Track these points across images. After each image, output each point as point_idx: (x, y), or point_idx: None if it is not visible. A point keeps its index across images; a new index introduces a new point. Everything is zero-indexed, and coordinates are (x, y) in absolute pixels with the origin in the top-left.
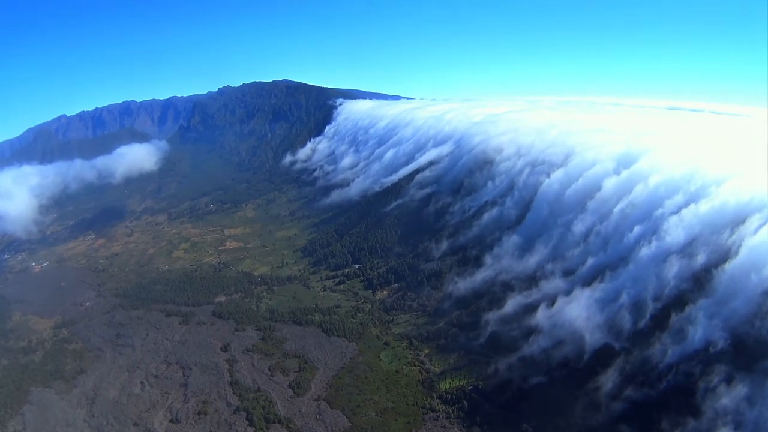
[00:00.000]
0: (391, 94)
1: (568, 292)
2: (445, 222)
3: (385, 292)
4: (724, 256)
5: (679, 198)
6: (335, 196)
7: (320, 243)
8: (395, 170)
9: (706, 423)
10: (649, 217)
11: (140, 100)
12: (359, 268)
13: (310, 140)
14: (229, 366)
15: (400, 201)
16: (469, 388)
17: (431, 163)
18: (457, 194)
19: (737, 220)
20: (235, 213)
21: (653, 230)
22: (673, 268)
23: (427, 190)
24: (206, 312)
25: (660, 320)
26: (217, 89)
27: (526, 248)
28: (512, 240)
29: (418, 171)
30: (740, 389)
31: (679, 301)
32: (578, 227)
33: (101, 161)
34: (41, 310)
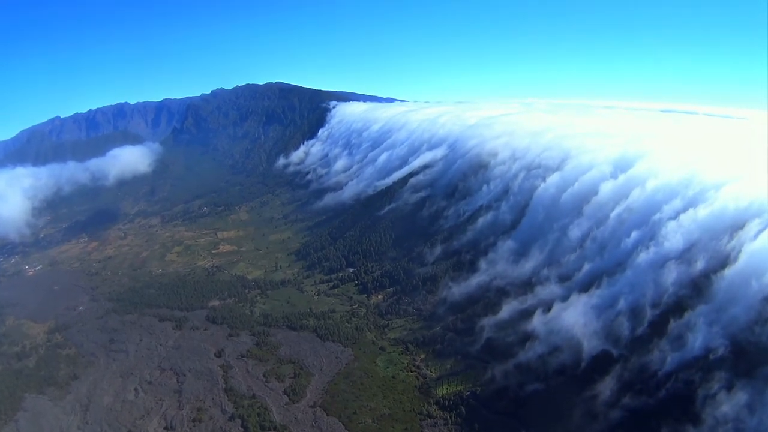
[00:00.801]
0: (384, 96)
1: (564, 298)
2: (440, 226)
3: (379, 297)
4: (724, 261)
5: (677, 203)
6: (328, 199)
7: (314, 246)
8: (389, 174)
9: (706, 431)
10: (646, 223)
11: (134, 102)
12: (353, 272)
13: (303, 143)
14: (223, 372)
15: (393, 205)
16: (467, 393)
17: (425, 167)
18: (451, 198)
19: (736, 225)
20: (229, 216)
21: (651, 235)
22: (671, 274)
23: (422, 194)
24: (200, 317)
25: (658, 327)
26: (210, 91)
27: (521, 253)
28: (507, 245)
29: (412, 174)
30: (740, 396)
31: (677, 307)
32: (574, 232)
33: (94, 163)
34: (35, 315)
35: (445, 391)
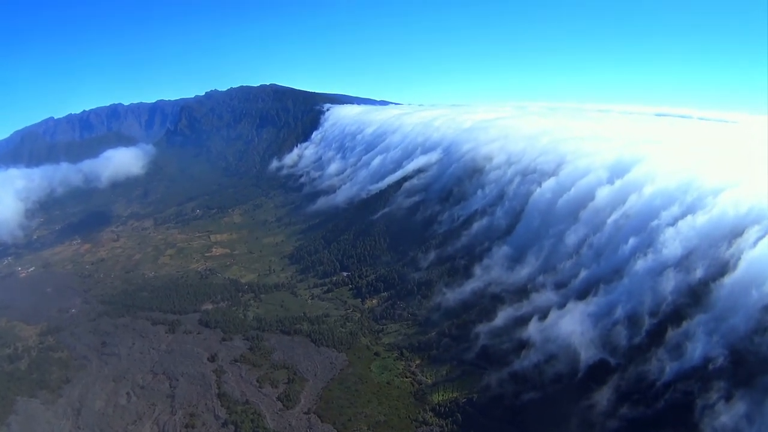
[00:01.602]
0: (378, 99)
1: (560, 306)
2: (434, 231)
3: (374, 301)
4: (723, 269)
5: (675, 209)
6: (322, 202)
7: (307, 250)
8: (383, 177)
9: None
10: (644, 229)
11: (128, 104)
12: (347, 276)
13: (296, 146)
14: (216, 377)
15: (387, 209)
16: (463, 400)
17: (419, 171)
18: (446, 203)
19: (735, 232)
20: (222, 219)
21: (649, 242)
22: (669, 282)
23: (416, 198)
24: (193, 320)
25: (656, 336)
26: (204, 93)
27: (516, 259)
28: (502, 250)
29: (406, 178)
30: (739, 407)
31: (676, 316)
32: (571, 238)
33: (88, 165)
34: (27, 317)
35: (440, 398)
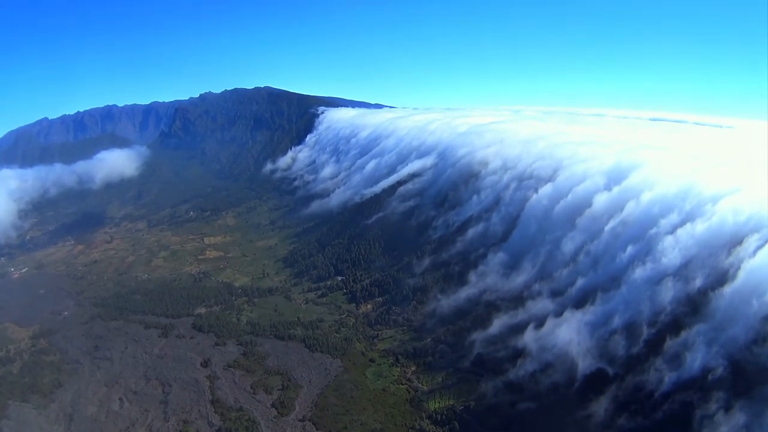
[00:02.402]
0: (373, 102)
1: (557, 314)
2: (429, 236)
3: (369, 306)
4: (722, 278)
5: (673, 217)
6: (316, 206)
7: (301, 254)
8: (377, 182)
9: None
10: (642, 237)
11: (122, 105)
12: (342, 281)
13: (291, 149)
14: (209, 383)
15: (382, 213)
16: (460, 408)
17: (414, 176)
18: (440, 208)
19: (735, 241)
20: (216, 221)
21: (647, 250)
22: (668, 291)
23: (410, 203)
24: (186, 324)
25: (655, 345)
26: (198, 95)
27: (512, 266)
28: (498, 257)
29: (400, 183)
30: (739, 417)
31: (674, 325)
32: (567, 246)
33: (82, 166)
34: (20, 319)
35: (437, 405)
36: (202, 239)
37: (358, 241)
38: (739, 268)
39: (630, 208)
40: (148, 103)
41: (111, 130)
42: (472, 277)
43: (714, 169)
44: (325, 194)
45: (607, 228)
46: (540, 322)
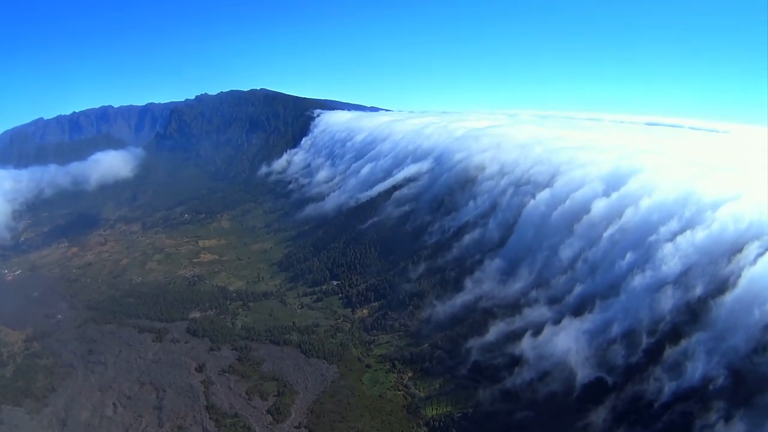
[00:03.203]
0: (368, 105)
1: (555, 321)
2: (424, 242)
3: (364, 311)
4: (722, 286)
5: (673, 224)
6: (311, 209)
7: (297, 258)
8: (372, 186)
9: None
10: (641, 244)
11: (117, 106)
12: (337, 285)
13: (286, 151)
14: (204, 388)
15: (377, 218)
16: (458, 415)
17: (410, 180)
18: (436, 213)
19: (735, 248)
20: (210, 224)
21: (646, 258)
22: (668, 299)
23: (406, 208)
24: (180, 328)
25: (654, 354)
26: (194, 97)
27: (509, 273)
28: (494, 264)
29: (396, 187)
30: (739, 427)
31: (674, 334)
32: (565, 252)
33: (76, 167)
34: (13, 321)
35: (434, 412)
36: (197, 242)
37: (353, 245)
38: (739, 275)
39: (629, 215)
40: (143, 104)
41: (106, 131)
42: (469, 283)
43: (713, 175)
44: (320, 198)
45: (605, 235)
46: (537, 330)
